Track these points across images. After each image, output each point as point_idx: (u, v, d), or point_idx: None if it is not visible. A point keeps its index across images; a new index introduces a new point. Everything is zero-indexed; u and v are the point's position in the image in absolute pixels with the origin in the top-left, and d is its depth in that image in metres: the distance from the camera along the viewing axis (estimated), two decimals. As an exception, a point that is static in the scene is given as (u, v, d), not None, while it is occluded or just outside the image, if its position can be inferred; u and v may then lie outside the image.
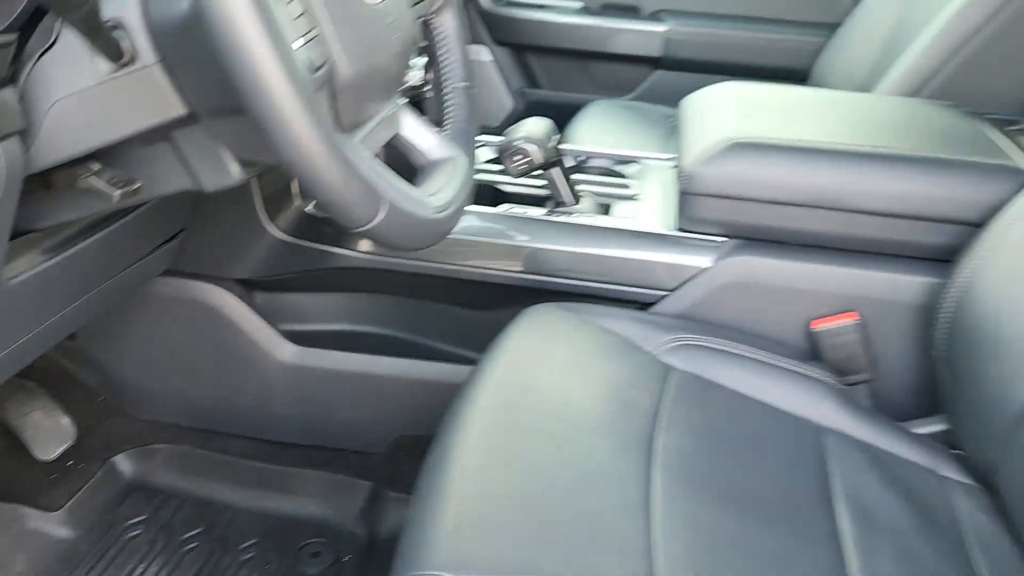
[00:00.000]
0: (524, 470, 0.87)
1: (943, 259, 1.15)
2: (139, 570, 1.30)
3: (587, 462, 0.91)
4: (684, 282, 1.24)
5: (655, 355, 1.15)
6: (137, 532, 1.36)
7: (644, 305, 1.26)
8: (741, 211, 1.21)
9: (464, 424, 0.93)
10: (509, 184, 1.40)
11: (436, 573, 0.74)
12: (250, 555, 1.34)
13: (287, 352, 1.37)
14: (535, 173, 1.30)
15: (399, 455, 1.39)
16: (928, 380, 1.20)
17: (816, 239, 1.21)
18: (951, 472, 1.11)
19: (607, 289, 1.26)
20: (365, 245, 1.28)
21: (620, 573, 0.78)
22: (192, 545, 1.34)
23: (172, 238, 1.26)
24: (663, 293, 1.25)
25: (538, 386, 1.01)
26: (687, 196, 1.22)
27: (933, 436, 1.18)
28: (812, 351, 1.22)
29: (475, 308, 1.35)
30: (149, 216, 1.14)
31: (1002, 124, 1.34)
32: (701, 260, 1.24)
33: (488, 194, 1.38)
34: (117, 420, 1.49)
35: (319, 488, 1.42)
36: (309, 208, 1.31)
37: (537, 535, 0.79)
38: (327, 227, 1.28)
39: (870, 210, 1.16)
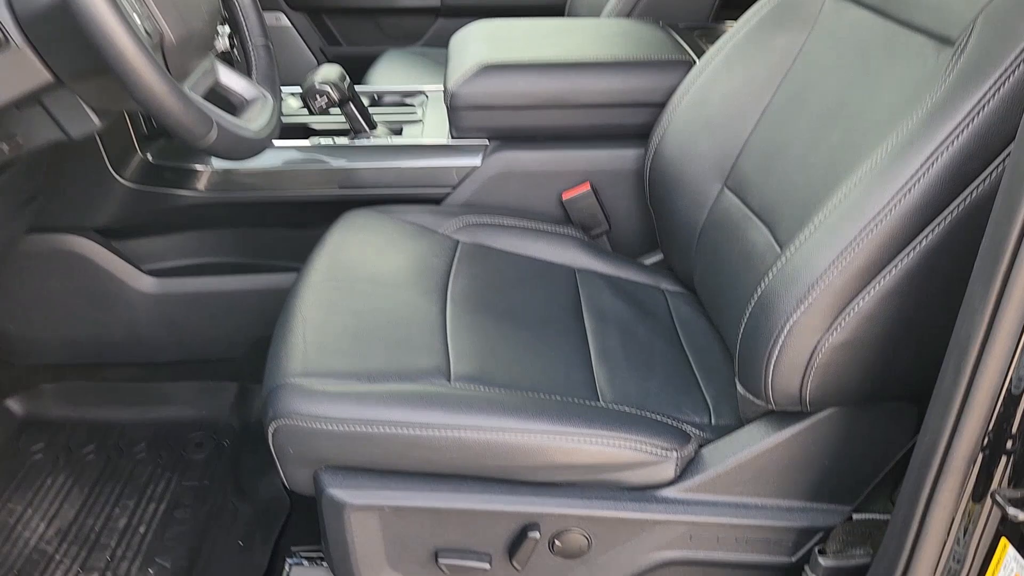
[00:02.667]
0: (348, 314, 1.20)
1: (645, 134, 1.56)
2: (48, 482, 1.55)
3: (397, 306, 1.25)
4: (462, 179, 1.59)
5: (446, 234, 1.51)
6: (39, 455, 1.60)
7: (436, 201, 1.60)
8: (496, 118, 1.57)
9: (302, 293, 1.25)
10: (316, 121, 1.70)
11: (292, 380, 1.06)
12: (142, 455, 1.61)
13: (149, 285, 1.63)
14: (335, 110, 1.61)
15: (258, 354, 1.69)
16: (648, 226, 1.62)
17: (556, 132, 1.59)
18: (669, 286, 1.53)
19: (405, 193, 1.59)
20: (202, 184, 1.56)
21: (425, 362, 1.13)
22: (90, 457, 1.60)
23: (31, 200, 1.48)
24: (448, 190, 1.60)
25: (357, 261, 1.34)
26: (453, 111, 1.57)
27: (657, 265, 1.60)
28: (565, 216, 1.60)
29: (302, 227, 1.66)
30: (7, 183, 1.37)
31: (686, 30, 1.77)
32: (472, 160, 1.59)
33: (300, 133, 1.68)
34: (2, 371, 1.70)
35: (194, 395, 1.70)
36: (150, 157, 1.56)
37: (362, 351, 1.13)
38: (167, 172, 1.55)
39: (589, 103, 1.55)
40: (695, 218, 1.44)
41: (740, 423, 1.18)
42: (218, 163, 1.55)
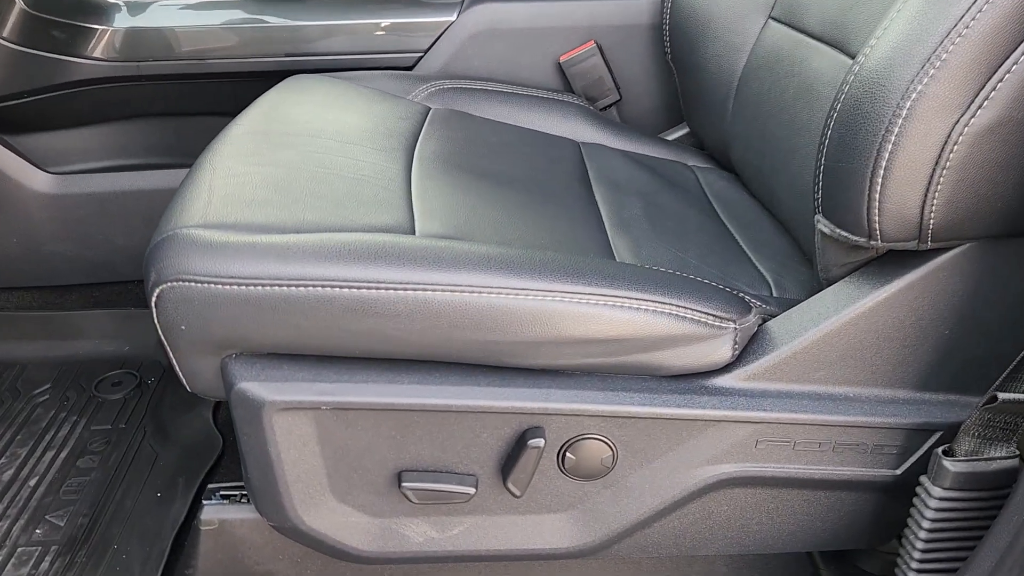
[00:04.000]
0: (276, 165, 0.88)
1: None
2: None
3: (344, 161, 0.93)
4: (435, 40, 1.27)
5: (415, 100, 1.19)
6: (-86, 402, 1.27)
7: (403, 69, 1.28)
8: (474, -42, 1.25)
9: (216, 147, 0.93)
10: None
11: (185, 230, 0.74)
12: (45, 397, 1.28)
13: (48, 184, 1.30)
14: (272, -41, 1.29)
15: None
16: (667, 94, 1.30)
17: (549, -22, 1.27)
18: (697, 162, 1.22)
19: (363, 59, 1.28)
20: (101, 49, 1.23)
21: (378, 218, 0.81)
22: (-23, 403, 1.27)
23: None
24: (418, 54, 1.28)
25: (296, 117, 1.02)
26: (420, -49, 1.25)
27: (680, 140, 1.28)
28: (564, 84, 1.29)
29: (236, 110, 1.33)
30: None
31: None
32: (446, 16, 1.27)
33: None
34: None
35: (111, 326, 1.38)
36: (25, 4, 1.23)
37: (289, 204, 0.80)
38: (55, 31, 1.22)
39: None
40: (732, 66, 1.12)
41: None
42: (120, 20, 1.23)
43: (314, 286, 0.70)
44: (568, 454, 0.77)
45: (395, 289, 0.70)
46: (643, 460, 0.78)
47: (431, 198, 0.88)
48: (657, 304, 0.73)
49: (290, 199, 0.81)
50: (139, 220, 1.34)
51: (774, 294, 0.87)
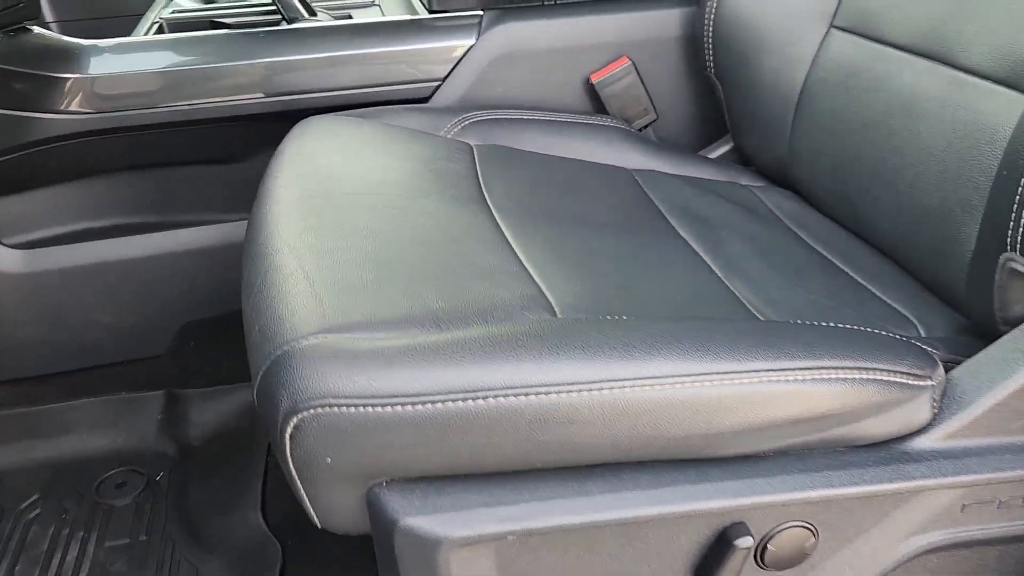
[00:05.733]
0: (361, 235, 0.75)
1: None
2: None
3: (430, 220, 0.81)
4: (454, 66, 1.15)
5: (450, 138, 1.07)
6: None
7: (419, 102, 1.16)
8: (493, -25, 1.14)
9: (268, 225, 0.79)
10: (229, 14, 1.22)
11: (312, 340, 0.61)
12: (36, 512, 1.10)
13: (15, 261, 1.11)
14: (259, -13, 1.14)
15: (188, 347, 1.20)
16: (706, 109, 1.22)
17: (572, -9, 1.17)
18: (749, 181, 1.15)
19: (375, 93, 1.14)
20: (74, 101, 1.05)
21: (507, 292, 0.69)
22: (-44, 527, 1.08)
23: None
24: (435, 83, 1.16)
25: (341, 171, 0.89)
26: (434, -30, 1.13)
27: (723, 157, 1.21)
28: (596, 105, 1.19)
29: (231, 158, 1.18)
30: None
31: None
32: (464, 39, 1.15)
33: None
34: None
35: (101, 417, 1.20)
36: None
37: (405, 284, 0.68)
38: (18, 82, 1.03)
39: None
40: (791, 80, 1.05)
41: (969, 333, 0.81)
42: (95, 67, 1.05)
43: (495, 396, 0.58)
44: (769, 546, 0.68)
45: (589, 390, 0.59)
46: (844, 541, 0.70)
47: (540, 259, 0.77)
48: (860, 370, 0.65)
49: (403, 278, 0.69)
50: (127, 293, 1.16)
51: (922, 334, 0.81)
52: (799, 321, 0.73)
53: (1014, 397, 0.69)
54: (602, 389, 0.59)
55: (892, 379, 0.66)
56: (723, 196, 1.06)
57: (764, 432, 0.64)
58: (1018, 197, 0.69)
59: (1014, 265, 0.70)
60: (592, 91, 1.18)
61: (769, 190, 1.12)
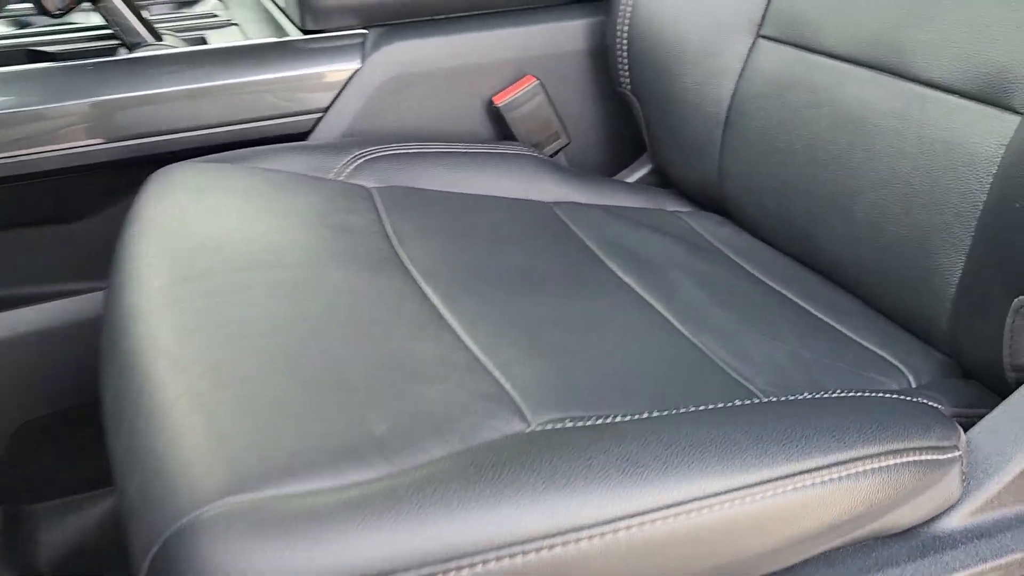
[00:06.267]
0: (264, 332, 0.59)
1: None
2: None
3: (338, 299, 0.65)
4: (337, 95, 0.99)
5: (342, 180, 0.91)
6: None
7: (297, 138, 0.99)
8: (376, -13, 0.98)
9: (136, 322, 0.61)
10: (53, 41, 1.01)
11: (224, 503, 0.44)
12: None
13: None
14: (86, 6, 0.94)
15: (27, 451, 0.99)
16: (622, 130, 1.11)
17: (466, 4, 1.03)
18: (675, 206, 1.05)
19: (245, 131, 0.97)
20: None
21: (461, 393, 0.55)
22: None
23: None
24: (316, 115, 0.99)
25: (217, 240, 0.71)
26: (307, -18, 0.96)
27: (642, 180, 1.10)
28: (501, 131, 1.06)
29: (71, 217, 0.97)
30: None
31: None
32: (347, 63, 0.99)
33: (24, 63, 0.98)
34: None
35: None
36: None
37: (331, 399, 0.53)
38: None
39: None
40: (717, 95, 0.96)
41: (956, 374, 0.73)
42: None
43: (484, 561, 0.44)
44: (802, 672, 0.57)
45: (603, 533, 0.46)
46: (877, 647, 0.60)
47: (488, 340, 0.63)
48: (894, 454, 0.55)
49: (328, 391, 0.53)
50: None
51: (913, 383, 0.72)
52: (804, 395, 0.62)
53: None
54: (617, 531, 0.46)
55: (925, 457, 0.56)
56: (655, 228, 0.95)
57: (796, 547, 0.53)
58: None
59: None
60: (496, 115, 1.04)
61: (699, 216, 1.02)
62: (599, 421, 0.54)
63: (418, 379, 0.56)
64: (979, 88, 0.72)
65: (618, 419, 0.55)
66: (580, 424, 0.54)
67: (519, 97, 1.03)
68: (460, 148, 0.98)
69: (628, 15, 1.00)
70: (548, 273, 0.79)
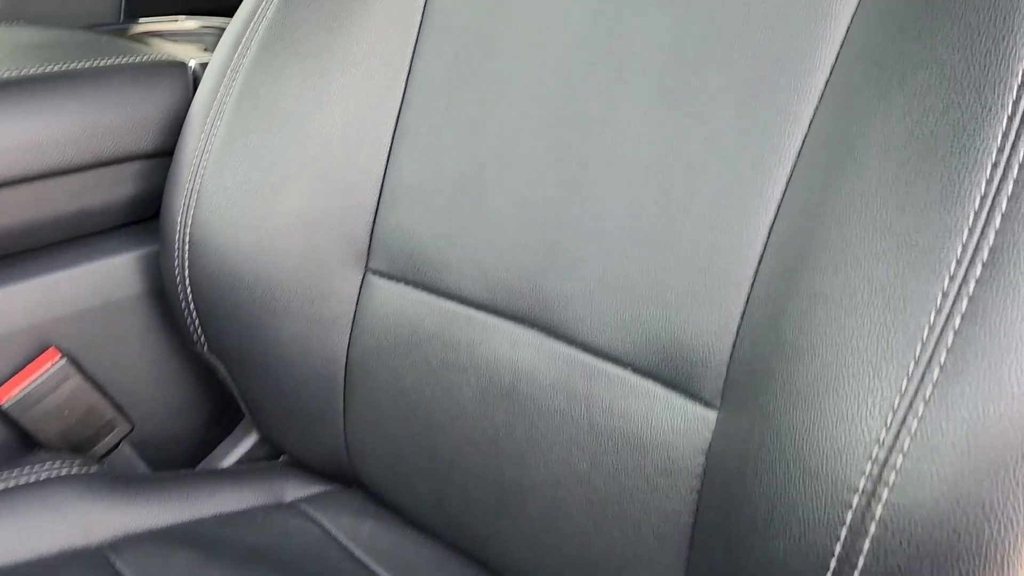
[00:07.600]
0: None
1: (143, 218, 0.76)
2: None
3: None
4: None
5: None
6: None
7: None
8: None
9: None
10: None
11: None
12: None
13: None
14: None
15: None
16: (210, 397, 0.82)
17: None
18: (296, 489, 0.77)
19: None
20: None
21: None
22: None
23: None
24: None
25: None
26: None
27: (249, 455, 0.82)
28: (19, 440, 0.71)
29: None
30: None
31: (114, 32, 0.98)
32: None
33: None
34: None
35: None
36: None
37: None
38: None
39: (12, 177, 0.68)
40: (325, 351, 0.71)
41: None
42: None
43: None
44: None
45: None
46: None
47: None
48: None
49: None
50: None
51: None
52: None
53: None
54: None
55: None
56: (272, 551, 0.67)
57: None
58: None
59: None
60: (5, 420, 0.69)
61: (328, 504, 0.75)
62: None
63: None
64: (655, 366, 0.54)
65: None
66: None
67: (39, 386, 0.70)
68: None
69: (186, 251, 0.72)
70: None
